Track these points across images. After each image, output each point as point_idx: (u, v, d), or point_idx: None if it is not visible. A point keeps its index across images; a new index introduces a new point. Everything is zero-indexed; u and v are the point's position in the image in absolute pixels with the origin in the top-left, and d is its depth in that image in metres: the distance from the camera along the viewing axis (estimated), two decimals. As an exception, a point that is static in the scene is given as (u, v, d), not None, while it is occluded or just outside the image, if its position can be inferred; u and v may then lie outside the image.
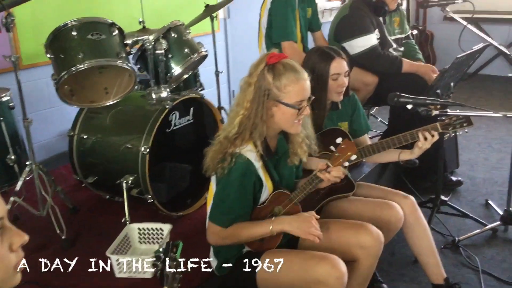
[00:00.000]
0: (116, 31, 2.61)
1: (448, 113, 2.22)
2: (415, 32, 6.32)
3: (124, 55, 2.58)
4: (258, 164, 1.87)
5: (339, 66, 2.35)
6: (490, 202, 3.37)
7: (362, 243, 2.02)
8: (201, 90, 3.37)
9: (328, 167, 1.94)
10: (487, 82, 6.56)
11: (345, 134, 2.39)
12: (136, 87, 2.77)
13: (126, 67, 2.56)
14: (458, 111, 2.25)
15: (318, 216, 1.91)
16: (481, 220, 3.11)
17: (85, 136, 2.78)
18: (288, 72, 1.83)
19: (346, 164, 1.96)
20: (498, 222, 3.02)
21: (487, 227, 3.02)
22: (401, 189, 2.50)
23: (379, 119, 4.65)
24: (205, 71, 3.70)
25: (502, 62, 6.62)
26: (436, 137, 2.22)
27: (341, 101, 2.48)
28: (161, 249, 1.23)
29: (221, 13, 4.75)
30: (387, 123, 4.15)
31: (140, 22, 3.12)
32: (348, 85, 2.45)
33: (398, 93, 2.22)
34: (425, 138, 2.21)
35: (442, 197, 3.14)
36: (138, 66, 3.03)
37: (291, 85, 1.83)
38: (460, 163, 3.90)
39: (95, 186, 2.86)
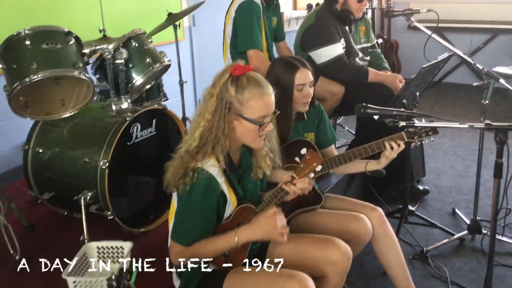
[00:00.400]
0: (73, 40, 2.49)
1: (415, 124, 2.19)
2: (380, 41, 6.38)
3: (81, 65, 2.47)
4: (221, 180, 1.80)
5: (303, 76, 2.30)
6: (457, 210, 3.37)
7: (330, 258, 1.97)
8: (164, 100, 3.28)
9: (293, 179, 1.88)
10: (451, 90, 6.68)
11: (311, 145, 2.34)
12: (95, 98, 2.66)
13: (83, 77, 2.45)
14: (423, 120, 2.23)
15: (279, 210, 1.84)
16: (448, 230, 3.11)
17: (40, 150, 2.64)
18: (252, 86, 1.75)
19: (312, 175, 1.90)
20: (465, 232, 3.02)
21: (455, 236, 3.02)
22: (369, 199, 2.47)
23: (346, 128, 4.64)
24: (170, 81, 3.61)
25: (465, 70, 6.75)
26: (402, 146, 2.21)
27: (306, 112, 2.44)
28: (113, 277, 1.13)
29: (186, 21, 4.67)
30: (354, 133, 4.14)
31: (100, 31, 3.01)
32: (314, 95, 2.41)
33: (364, 104, 2.18)
34: (392, 148, 2.20)
35: (410, 207, 3.13)
36: (97, 76, 2.92)
37: (254, 99, 1.76)
38: (427, 172, 3.91)
39: (52, 203, 2.73)
